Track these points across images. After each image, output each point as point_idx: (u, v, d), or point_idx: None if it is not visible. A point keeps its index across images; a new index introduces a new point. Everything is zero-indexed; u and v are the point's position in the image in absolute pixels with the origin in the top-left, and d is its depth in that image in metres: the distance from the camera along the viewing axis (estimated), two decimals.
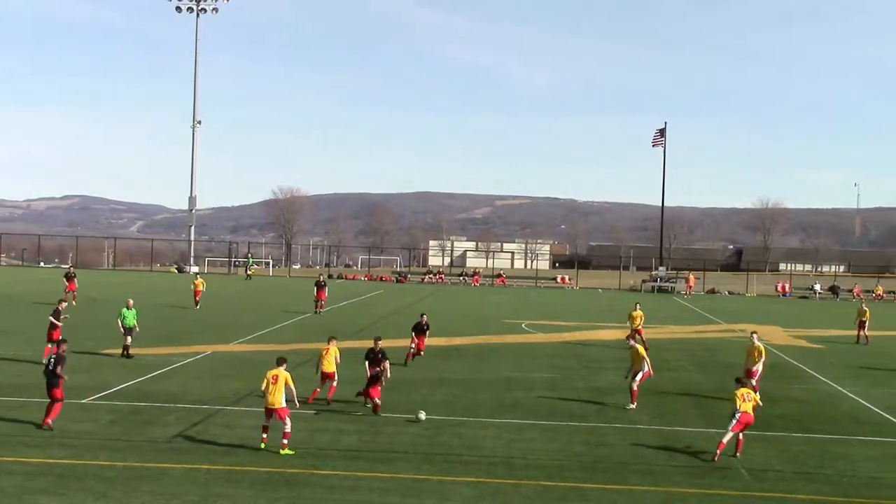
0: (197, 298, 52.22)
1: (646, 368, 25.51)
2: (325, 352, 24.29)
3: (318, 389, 24.18)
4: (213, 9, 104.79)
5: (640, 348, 26.49)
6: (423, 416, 22.10)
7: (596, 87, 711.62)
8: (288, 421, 18.90)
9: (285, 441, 18.69)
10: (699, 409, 25.33)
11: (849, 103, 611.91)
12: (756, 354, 27.59)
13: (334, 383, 24.27)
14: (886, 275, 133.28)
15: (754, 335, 29.02)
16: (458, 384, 28.14)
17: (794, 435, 22.08)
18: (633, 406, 24.79)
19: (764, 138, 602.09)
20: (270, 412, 19.07)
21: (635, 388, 25.16)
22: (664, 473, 18.01)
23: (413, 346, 32.48)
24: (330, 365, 24.14)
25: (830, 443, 21.41)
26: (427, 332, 33.14)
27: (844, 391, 29.21)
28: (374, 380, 22.94)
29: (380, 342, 24.93)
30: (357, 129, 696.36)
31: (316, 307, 51.89)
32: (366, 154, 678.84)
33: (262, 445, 18.73)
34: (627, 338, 29.36)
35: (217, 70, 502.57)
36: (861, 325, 45.08)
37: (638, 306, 40.08)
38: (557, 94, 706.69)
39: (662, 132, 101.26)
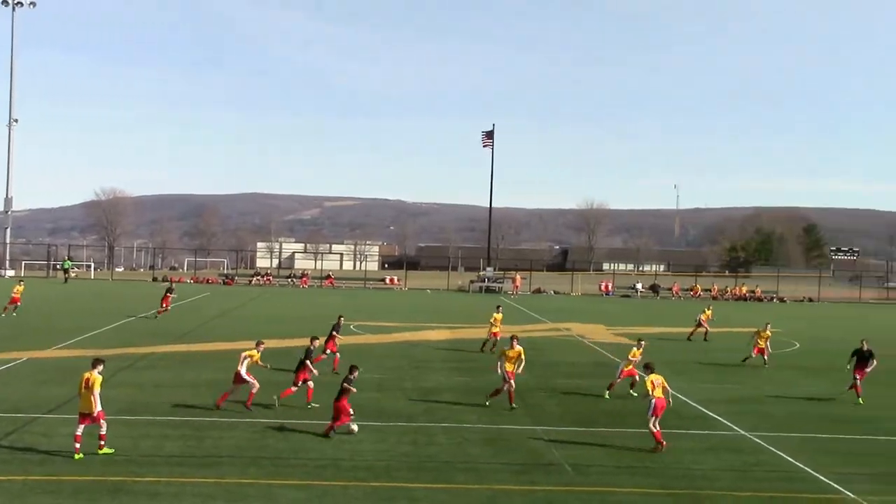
0: (11, 304, 49.53)
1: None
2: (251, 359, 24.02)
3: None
4: (31, 3, 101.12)
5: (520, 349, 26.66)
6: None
7: (424, 88, 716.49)
8: (103, 423, 18.40)
9: (102, 442, 18.23)
10: (525, 407, 25.68)
11: (671, 107, 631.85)
12: (765, 339, 36.94)
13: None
14: (703, 273, 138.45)
15: (768, 325, 37.88)
16: (284, 386, 27.77)
17: (615, 430, 22.62)
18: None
19: (590, 140, 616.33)
20: (85, 416, 18.50)
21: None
22: (490, 471, 18.19)
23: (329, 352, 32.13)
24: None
25: (650, 437, 21.99)
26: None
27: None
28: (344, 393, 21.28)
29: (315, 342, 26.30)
30: (183, 128, 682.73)
31: (159, 312, 50.73)
32: (191, 155, 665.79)
33: (77, 456, 18.08)
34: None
35: (35, 66, 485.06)
36: (699, 324, 47.36)
37: (499, 309, 40.60)
38: (387, 96, 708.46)
39: (490, 134, 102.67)
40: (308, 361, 25.18)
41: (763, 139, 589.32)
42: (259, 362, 24.60)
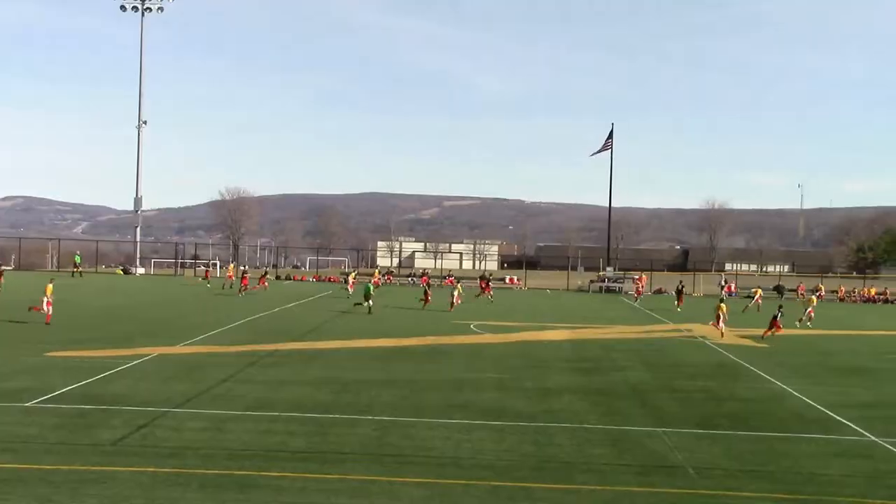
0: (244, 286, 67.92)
1: None
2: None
3: None
4: (159, 8, 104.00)
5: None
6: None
7: (544, 90, 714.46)
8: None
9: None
10: (646, 408, 25.49)
11: (794, 106, 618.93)
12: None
13: None
14: (829, 274, 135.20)
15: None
16: (406, 385, 28.10)
17: (739, 433, 22.31)
18: None
19: (710, 140, 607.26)
20: None
21: None
22: (612, 472, 18.11)
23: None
24: None
25: (775, 440, 21.65)
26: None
27: (789, 389, 29.56)
28: None
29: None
30: (305, 130, 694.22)
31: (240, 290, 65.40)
32: (313, 155, 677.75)
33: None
34: None
35: (163, 69, 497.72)
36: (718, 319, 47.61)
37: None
38: (507, 97, 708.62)
39: (610, 135, 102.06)
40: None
41: (887, 138, 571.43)
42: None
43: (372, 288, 57.81)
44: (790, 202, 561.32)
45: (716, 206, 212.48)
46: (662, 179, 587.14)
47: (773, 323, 47.07)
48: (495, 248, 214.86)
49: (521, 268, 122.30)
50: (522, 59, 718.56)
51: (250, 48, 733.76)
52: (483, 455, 19.15)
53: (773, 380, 31.66)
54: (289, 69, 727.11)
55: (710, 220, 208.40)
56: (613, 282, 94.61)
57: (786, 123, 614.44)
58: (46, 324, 41.05)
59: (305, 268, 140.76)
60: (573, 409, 24.96)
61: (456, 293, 61.92)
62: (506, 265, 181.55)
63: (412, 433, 21.13)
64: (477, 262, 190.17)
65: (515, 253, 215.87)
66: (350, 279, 74.18)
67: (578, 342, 42.45)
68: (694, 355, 38.79)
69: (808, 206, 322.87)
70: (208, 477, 16.87)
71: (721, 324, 46.96)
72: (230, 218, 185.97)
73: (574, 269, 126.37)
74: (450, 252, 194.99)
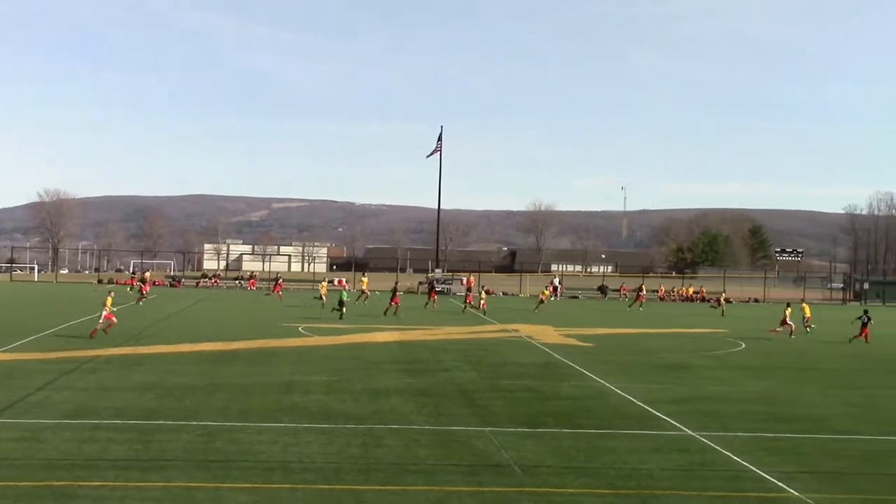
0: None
1: None
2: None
3: None
4: None
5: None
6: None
7: (373, 91, 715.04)
8: None
9: None
10: (473, 407, 25.71)
11: (617, 109, 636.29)
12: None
13: None
14: (650, 274, 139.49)
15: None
16: (233, 389, 27.65)
17: (564, 431, 22.73)
18: None
19: (539, 142, 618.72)
20: None
21: None
22: (440, 473, 18.18)
23: None
24: None
25: (598, 437, 22.15)
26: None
27: (611, 387, 30.30)
28: None
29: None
30: (128, 130, 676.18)
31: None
32: (136, 157, 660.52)
33: None
34: None
35: None
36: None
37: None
38: (335, 98, 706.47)
39: (440, 137, 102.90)
40: None
41: (706, 141, 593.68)
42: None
43: (345, 295, 59.09)
44: (614, 204, 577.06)
45: (542, 208, 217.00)
46: (492, 181, 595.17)
47: (863, 330, 48.73)
48: (324, 250, 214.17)
49: (351, 270, 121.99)
50: (349, 59, 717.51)
51: (67, 44, 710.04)
52: (311, 458, 18.97)
53: (596, 378, 32.40)
54: (109, 68, 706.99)
55: (537, 221, 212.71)
56: (442, 283, 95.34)
57: (611, 127, 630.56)
58: None
59: (129, 271, 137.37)
60: (401, 410, 25.00)
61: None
62: (335, 267, 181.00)
63: (239, 438, 20.78)
64: (306, 265, 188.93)
65: (345, 255, 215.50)
66: (322, 290, 73.26)
67: (407, 343, 42.59)
68: (520, 355, 39.39)
69: (630, 207, 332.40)
70: (23, 489, 16.17)
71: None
72: (49, 220, 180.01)
73: (403, 270, 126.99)
74: (278, 255, 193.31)
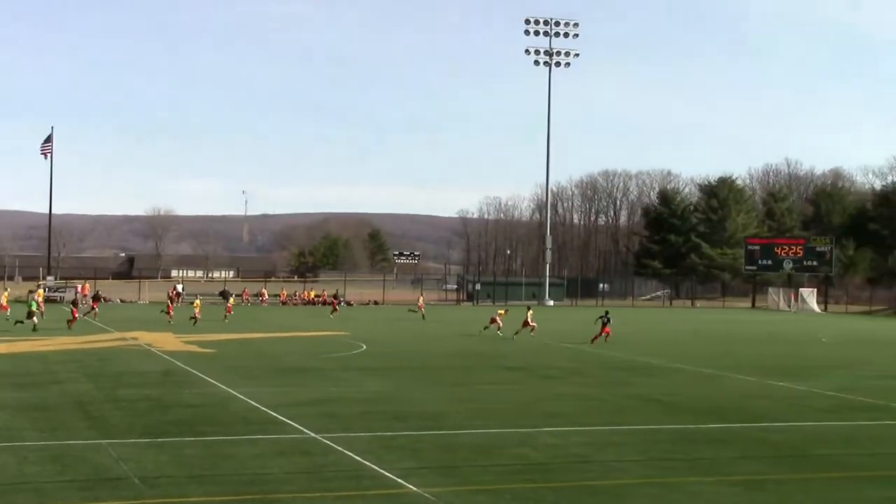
0: None
1: None
2: None
3: None
4: None
5: None
6: None
7: None
8: None
9: None
10: (90, 420, 24.73)
11: (233, 115, 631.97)
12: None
13: None
14: (273, 279, 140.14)
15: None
16: None
17: (186, 439, 22.33)
18: None
19: (155, 145, 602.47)
20: None
21: None
22: (53, 490, 17.29)
23: None
24: None
25: (221, 444, 21.95)
26: None
27: (235, 393, 30.10)
28: None
29: None
30: None
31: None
32: None
33: None
34: None
35: None
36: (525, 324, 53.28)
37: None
38: None
39: (49, 138, 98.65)
40: None
41: (323, 147, 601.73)
42: None
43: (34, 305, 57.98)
44: (235, 209, 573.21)
45: (161, 213, 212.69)
46: (107, 185, 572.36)
47: (604, 329, 49.86)
48: None
49: None
50: None
51: None
52: None
53: (219, 384, 32.09)
54: None
55: (156, 226, 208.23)
56: (55, 291, 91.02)
57: (227, 131, 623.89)
58: None
59: None
60: (11, 426, 23.60)
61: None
62: None
63: None
64: None
65: None
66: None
67: (16, 356, 40.25)
68: (140, 364, 38.33)
69: (251, 212, 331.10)
70: None
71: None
72: None
73: (12, 278, 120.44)
74: None
